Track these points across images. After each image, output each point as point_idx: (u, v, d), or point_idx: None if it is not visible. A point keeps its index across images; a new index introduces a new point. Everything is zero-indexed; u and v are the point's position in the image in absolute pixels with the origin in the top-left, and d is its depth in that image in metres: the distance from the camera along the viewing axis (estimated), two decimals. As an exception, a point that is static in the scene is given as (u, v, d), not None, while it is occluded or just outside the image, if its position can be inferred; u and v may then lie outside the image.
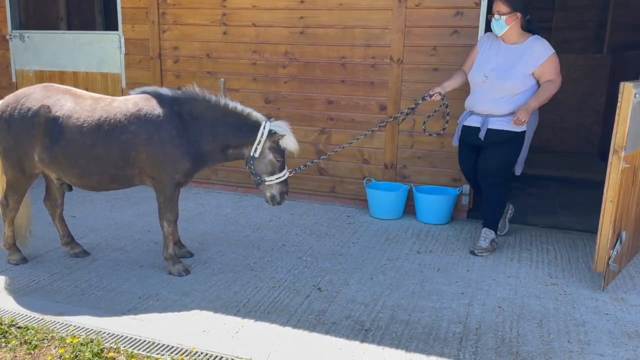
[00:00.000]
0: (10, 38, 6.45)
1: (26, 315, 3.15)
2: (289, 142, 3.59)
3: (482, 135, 4.03)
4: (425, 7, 4.80)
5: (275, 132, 3.54)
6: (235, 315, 3.19)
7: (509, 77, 3.92)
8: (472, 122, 4.13)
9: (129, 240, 4.37)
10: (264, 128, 3.53)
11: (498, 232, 4.40)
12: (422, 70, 4.90)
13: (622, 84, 3.30)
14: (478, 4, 4.62)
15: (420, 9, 4.82)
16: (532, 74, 3.93)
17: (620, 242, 3.58)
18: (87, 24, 7.86)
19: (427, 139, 4.86)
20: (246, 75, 5.51)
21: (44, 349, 2.81)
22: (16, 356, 2.77)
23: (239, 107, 3.59)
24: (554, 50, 3.95)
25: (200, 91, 3.60)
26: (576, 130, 8.23)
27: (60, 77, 6.24)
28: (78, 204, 5.18)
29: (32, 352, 2.79)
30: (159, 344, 2.87)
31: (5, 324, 3.00)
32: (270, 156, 3.59)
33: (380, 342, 2.92)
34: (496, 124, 3.99)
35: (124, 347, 2.83)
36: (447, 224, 4.85)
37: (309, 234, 4.57)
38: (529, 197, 5.82)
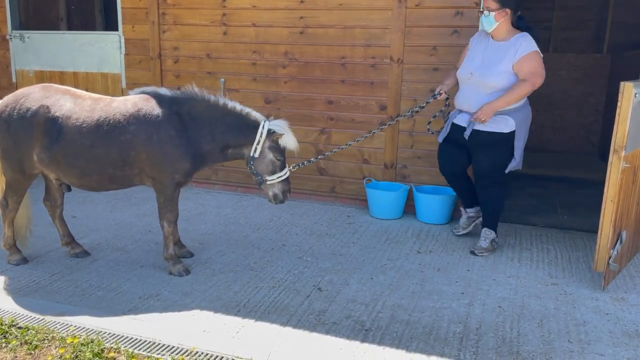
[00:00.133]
0: (10, 38, 6.45)
1: (27, 315, 3.15)
2: (289, 141, 3.59)
3: (466, 134, 4.01)
4: (425, 7, 4.80)
5: (274, 131, 3.54)
6: (235, 315, 3.19)
7: (492, 74, 3.88)
8: (461, 120, 4.11)
9: (129, 240, 4.37)
10: (263, 127, 3.53)
11: (461, 229, 4.45)
12: (422, 70, 4.90)
13: (622, 83, 3.30)
14: (478, 4, 4.62)
15: (420, 8, 4.82)
16: (513, 70, 3.86)
17: (621, 241, 3.58)
18: (87, 24, 7.86)
19: (428, 138, 4.86)
20: (246, 75, 5.51)
21: (45, 349, 2.81)
22: (17, 356, 2.77)
23: (238, 106, 3.59)
24: (536, 49, 3.87)
25: (199, 91, 3.60)
26: (576, 129, 8.23)
27: (60, 78, 6.24)
28: (78, 204, 5.18)
29: (33, 352, 2.79)
30: (159, 344, 2.87)
31: (5, 324, 3.00)
32: (270, 155, 3.59)
33: (380, 342, 2.92)
34: (483, 125, 3.95)
35: (125, 347, 2.83)
36: (447, 223, 4.85)
37: (309, 234, 4.57)
38: (529, 196, 5.82)
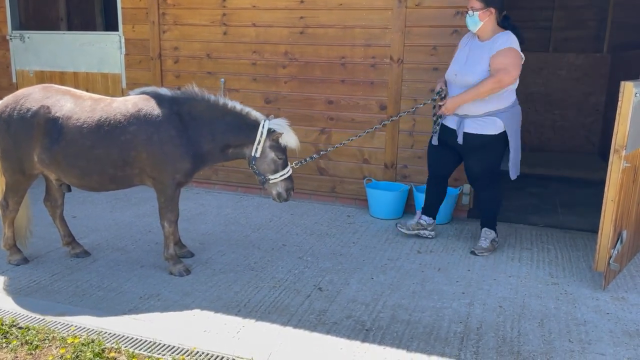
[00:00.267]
0: (11, 38, 6.45)
1: (27, 315, 3.15)
2: (289, 139, 3.59)
3: (460, 140, 3.98)
4: (425, 6, 4.80)
5: (274, 130, 3.54)
6: (236, 315, 3.19)
7: (472, 73, 3.86)
8: (450, 122, 4.09)
9: (129, 240, 4.37)
10: (263, 127, 3.54)
11: (405, 229, 4.38)
12: (422, 69, 4.90)
13: (622, 83, 3.30)
14: (478, 4, 4.61)
15: (420, 8, 4.82)
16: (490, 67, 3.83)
17: (621, 241, 3.58)
18: (87, 25, 7.86)
19: (428, 138, 4.84)
20: (246, 75, 5.51)
21: (45, 350, 2.81)
22: (17, 357, 2.77)
23: (238, 106, 3.59)
24: (513, 46, 3.79)
25: (199, 91, 3.60)
26: (576, 129, 8.23)
27: (60, 78, 6.24)
28: (79, 205, 5.18)
29: (33, 352, 2.79)
30: (160, 344, 2.87)
31: (6, 325, 3.00)
32: (271, 154, 3.59)
33: (381, 342, 2.92)
34: (471, 127, 3.94)
35: (125, 347, 2.83)
36: (447, 223, 4.85)
37: (310, 233, 4.57)
38: (530, 196, 5.82)
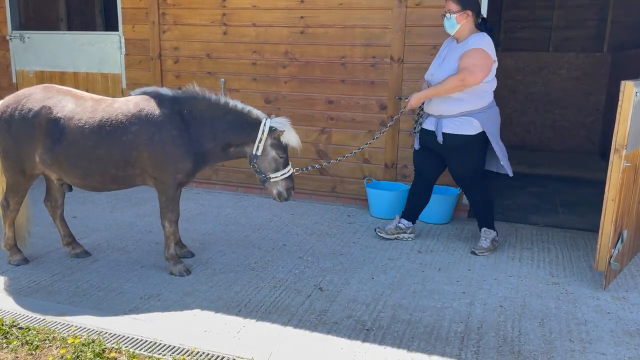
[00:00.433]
0: (11, 39, 6.45)
1: (27, 315, 3.15)
2: (291, 138, 3.59)
3: (440, 139, 3.97)
4: (425, 6, 4.80)
5: (275, 129, 3.54)
6: (236, 315, 3.19)
7: (445, 73, 3.87)
8: (428, 124, 4.09)
9: (130, 240, 4.37)
10: (265, 125, 3.54)
11: (383, 233, 4.35)
12: (422, 69, 4.87)
13: (623, 82, 3.29)
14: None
15: (420, 8, 4.82)
16: None
17: (622, 241, 3.58)
18: (87, 25, 7.86)
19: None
20: (246, 75, 5.51)
21: (46, 350, 2.81)
22: (17, 357, 2.77)
23: (239, 105, 3.59)
24: (483, 47, 3.78)
25: (200, 90, 3.60)
26: (577, 129, 8.24)
27: (60, 78, 6.24)
28: (79, 205, 5.18)
29: (34, 352, 2.79)
30: (160, 344, 2.87)
31: (6, 325, 3.00)
32: (272, 153, 3.59)
33: (381, 342, 2.92)
34: (448, 127, 3.94)
35: (126, 347, 2.83)
36: (448, 223, 4.85)
37: (310, 233, 4.57)
38: (530, 196, 5.82)
